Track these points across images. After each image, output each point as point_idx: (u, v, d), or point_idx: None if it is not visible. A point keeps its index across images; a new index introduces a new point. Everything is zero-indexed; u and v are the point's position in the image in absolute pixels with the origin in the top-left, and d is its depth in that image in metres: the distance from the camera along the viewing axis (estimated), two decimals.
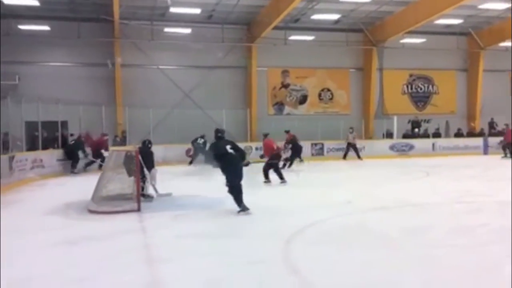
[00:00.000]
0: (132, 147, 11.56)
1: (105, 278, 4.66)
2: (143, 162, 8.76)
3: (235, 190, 7.81)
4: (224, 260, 5.21)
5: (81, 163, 15.83)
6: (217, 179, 9.43)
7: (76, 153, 15.71)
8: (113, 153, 9.61)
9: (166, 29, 20.69)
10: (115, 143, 18.40)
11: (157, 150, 17.93)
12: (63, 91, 18.18)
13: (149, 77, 21.09)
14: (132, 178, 8.55)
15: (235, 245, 5.92)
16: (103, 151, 15.40)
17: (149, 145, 9.80)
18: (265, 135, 13.39)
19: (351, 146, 19.96)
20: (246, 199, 7.90)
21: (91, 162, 15.80)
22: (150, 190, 9.38)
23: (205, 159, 9.65)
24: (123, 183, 8.75)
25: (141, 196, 8.52)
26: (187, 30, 20.99)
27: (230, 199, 9.01)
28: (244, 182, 7.95)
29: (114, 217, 7.68)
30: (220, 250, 5.67)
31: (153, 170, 9.41)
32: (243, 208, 7.70)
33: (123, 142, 18.91)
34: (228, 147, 8.06)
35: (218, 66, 21.84)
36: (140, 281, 4.54)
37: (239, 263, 5.07)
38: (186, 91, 21.64)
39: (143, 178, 8.93)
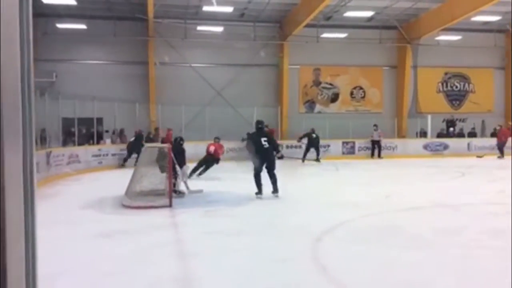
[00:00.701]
0: (167, 144, 11.76)
1: (136, 272, 4.78)
2: (175, 159, 8.91)
3: (258, 176, 9.10)
4: (253, 257, 5.27)
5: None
6: (246, 177, 9.53)
7: (138, 147, 16.04)
8: (147, 150, 9.80)
9: (199, 28, 20.91)
10: (147, 140, 18.73)
11: (189, 147, 18.34)
12: (99, 89, 18.65)
13: (182, 75, 21.37)
14: (165, 174, 8.73)
15: (265, 242, 5.97)
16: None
17: (181, 142, 9.97)
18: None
19: (375, 143, 19.86)
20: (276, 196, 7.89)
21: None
22: (181, 187, 9.53)
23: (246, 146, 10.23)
24: (156, 179, 8.93)
25: (173, 192, 8.67)
26: (220, 29, 21.15)
27: (259, 197, 9.11)
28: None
29: (146, 212, 7.85)
30: (249, 246, 5.73)
31: (184, 167, 9.56)
32: (259, 192, 8.99)
33: (156, 138, 19.22)
34: (263, 139, 9.09)
35: (250, 64, 21.92)
36: (171, 275, 4.64)
37: (267, 260, 5.12)
38: (218, 89, 21.82)
39: (175, 175, 9.08)
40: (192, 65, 21.67)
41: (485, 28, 23.03)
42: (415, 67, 23.55)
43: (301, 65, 22.81)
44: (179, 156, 9.33)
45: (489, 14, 20.78)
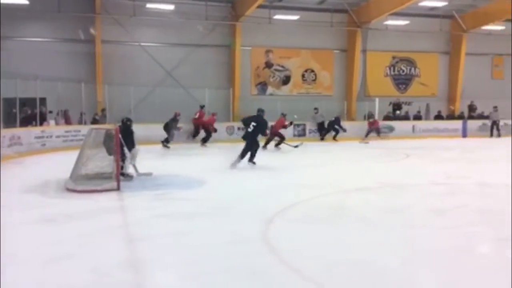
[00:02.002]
0: (112, 125, 11.39)
1: (82, 257, 4.61)
2: (123, 140, 8.64)
3: (244, 153, 10.78)
4: (203, 239, 5.19)
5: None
6: (198, 159, 9.41)
7: (171, 128, 16.78)
8: (92, 131, 9.44)
9: (148, 5, 20.28)
10: (93, 121, 18.15)
11: (138, 129, 17.89)
12: (42, 67, 17.78)
13: (131, 54, 20.74)
14: (112, 157, 8.45)
15: (215, 224, 5.91)
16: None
17: (128, 123, 9.62)
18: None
19: (320, 125, 20.49)
20: (227, 178, 7.80)
21: (208, 137, 17.37)
22: (130, 170, 9.28)
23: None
24: (103, 162, 8.64)
25: (121, 175, 8.43)
26: (170, 7, 20.60)
27: (211, 179, 9.05)
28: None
29: (93, 196, 7.58)
30: (199, 229, 5.66)
31: (133, 150, 9.28)
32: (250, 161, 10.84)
33: (102, 120, 18.64)
34: (252, 123, 10.79)
35: (201, 44, 21.56)
36: (118, 260, 4.50)
37: (218, 242, 5.07)
38: (168, 69, 21.36)
39: (122, 157, 8.82)
40: (142, 44, 21.06)
41: (432, 14, 23.69)
42: (364, 51, 23.96)
43: (253, 47, 22.69)
44: (127, 137, 9.05)
45: None
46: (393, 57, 25.09)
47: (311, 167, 11.59)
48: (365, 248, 4.87)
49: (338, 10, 22.79)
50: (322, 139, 20.29)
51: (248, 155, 10.88)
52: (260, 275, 4.15)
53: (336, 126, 19.86)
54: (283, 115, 16.82)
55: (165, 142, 16.66)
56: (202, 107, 18.56)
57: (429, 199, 7.54)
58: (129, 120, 9.68)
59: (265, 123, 11.32)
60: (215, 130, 17.73)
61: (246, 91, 22.48)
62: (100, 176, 8.46)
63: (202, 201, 7.33)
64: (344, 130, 19.76)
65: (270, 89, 23.33)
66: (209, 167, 11.13)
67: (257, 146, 11.19)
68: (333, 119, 20.11)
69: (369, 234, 5.42)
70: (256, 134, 10.97)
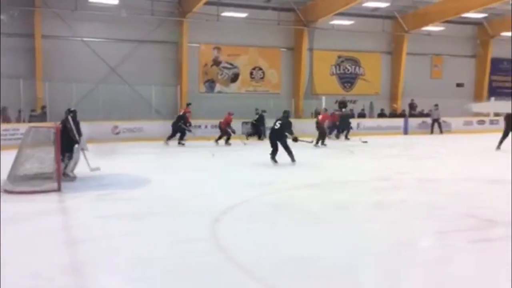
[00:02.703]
0: (53, 123, 10.92)
1: (20, 261, 4.38)
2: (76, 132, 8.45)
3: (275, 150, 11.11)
4: (150, 240, 5.09)
5: None
6: (145, 158, 9.22)
7: (181, 125, 16.65)
8: (31, 130, 9.00)
9: None
10: (31, 119, 17.37)
11: (81, 128, 17.30)
12: None
13: (72, 49, 19.97)
14: (52, 156, 8.09)
15: (162, 225, 5.80)
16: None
17: (71, 115, 9.19)
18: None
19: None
20: (174, 178, 7.67)
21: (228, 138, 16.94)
22: (73, 170, 8.95)
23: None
24: (42, 161, 8.26)
25: (63, 175, 8.11)
26: (114, 1, 20.02)
27: (157, 178, 8.88)
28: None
29: (32, 197, 7.25)
30: (145, 230, 5.53)
31: (82, 138, 8.95)
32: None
33: (43, 118, 17.87)
34: (278, 122, 11.18)
35: (147, 40, 21.11)
36: (58, 264, 4.32)
37: (165, 243, 4.98)
38: (113, 65, 20.77)
39: (65, 157, 8.50)
40: (84, 39, 20.34)
41: (375, 14, 24.39)
42: (311, 49, 24.32)
43: (201, 44, 22.48)
44: (77, 129, 8.74)
45: (379, 0, 22.04)
46: (339, 56, 25.63)
47: (257, 165, 11.61)
48: (313, 245, 4.94)
49: (285, 9, 23.00)
50: (258, 138, 19.97)
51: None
52: (208, 275, 4.10)
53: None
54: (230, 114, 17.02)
55: (167, 140, 16.64)
56: (188, 104, 18.38)
57: (373, 194, 7.76)
58: (71, 111, 9.26)
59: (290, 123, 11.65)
60: (234, 131, 17.30)
61: (194, 89, 22.23)
62: (40, 177, 8.08)
63: (147, 201, 7.17)
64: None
65: (218, 87, 23.21)
66: (156, 166, 10.94)
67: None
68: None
69: (316, 231, 5.50)
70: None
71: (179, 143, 16.61)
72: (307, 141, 14.11)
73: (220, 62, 23.17)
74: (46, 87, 18.55)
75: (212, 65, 23.04)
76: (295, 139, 11.36)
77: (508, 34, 26.40)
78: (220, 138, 16.95)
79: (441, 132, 22.41)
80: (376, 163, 12.09)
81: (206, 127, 19.53)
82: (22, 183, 7.84)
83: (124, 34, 20.78)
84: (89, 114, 17.84)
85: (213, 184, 8.73)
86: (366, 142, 17.23)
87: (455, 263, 4.50)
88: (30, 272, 4.12)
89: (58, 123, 9.13)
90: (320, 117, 16.97)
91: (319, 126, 16.40)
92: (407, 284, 4.05)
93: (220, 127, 17.26)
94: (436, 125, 22.66)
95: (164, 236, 5.24)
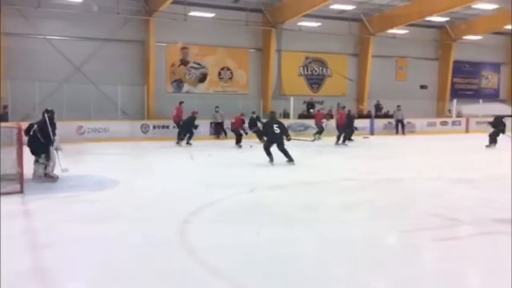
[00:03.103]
0: (15, 123, 10.59)
1: None
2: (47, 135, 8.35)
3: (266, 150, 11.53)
4: (117, 244, 5.00)
5: None
6: (111, 159, 9.06)
7: (190, 127, 16.68)
8: None
9: None
10: None
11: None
12: None
13: (36, 47, 19.42)
14: (15, 157, 7.85)
15: (130, 227, 5.70)
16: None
17: (48, 114, 8.95)
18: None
19: (218, 125, 19.93)
20: (141, 179, 7.60)
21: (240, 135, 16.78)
22: (53, 170, 8.74)
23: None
24: (5, 163, 8.00)
25: (44, 176, 8.26)
26: None
27: (125, 180, 8.74)
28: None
29: None
30: (112, 233, 5.42)
31: (56, 137, 8.77)
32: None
33: (4, 118, 17.32)
34: (275, 125, 11.45)
35: (113, 39, 20.74)
36: (20, 269, 4.19)
37: (133, 246, 4.90)
38: (77, 64, 20.32)
39: (47, 158, 8.48)
40: (47, 37, 19.83)
41: (342, 16, 24.73)
42: (279, 50, 24.44)
43: (168, 43, 22.27)
44: (53, 130, 8.62)
45: (345, 3, 22.35)
46: (306, 58, 25.87)
47: (225, 166, 11.59)
48: (282, 245, 4.95)
49: (253, 10, 23.04)
50: (217, 137, 19.91)
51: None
52: (177, 277, 4.07)
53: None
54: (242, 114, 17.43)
55: (179, 140, 16.66)
56: (181, 103, 18.17)
57: (339, 194, 7.86)
58: (48, 111, 9.03)
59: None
60: (246, 132, 17.03)
61: (161, 88, 21.99)
62: (2, 178, 7.82)
63: (114, 203, 7.05)
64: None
65: (186, 87, 23.04)
66: (123, 167, 10.77)
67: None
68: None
69: (284, 231, 5.52)
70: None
71: (187, 143, 16.56)
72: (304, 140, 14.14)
73: (188, 62, 23.01)
74: (8, 86, 17.99)
75: (179, 65, 22.86)
76: (289, 139, 11.83)
77: (470, 37, 27.27)
78: (239, 141, 16.70)
79: (403, 133, 22.88)
80: (343, 163, 12.26)
81: (174, 127, 19.35)
82: None
83: (89, 33, 20.38)
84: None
85: (181, 185, 8.66)
86: (367, 137, 17.88)
87: (420, 261, 4.61)
88: None
89: (28, 123, 8.95)
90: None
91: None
92: (375, 282, 4.11)
93: (232, 129, 17.35)
94: (399, 125, 23.15)
95: (130, 239, 5.15)
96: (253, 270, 4.22)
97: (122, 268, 4.24)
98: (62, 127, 16.99)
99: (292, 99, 22.85)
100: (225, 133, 19.61)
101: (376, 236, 5.36)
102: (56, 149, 8.76)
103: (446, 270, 4.30)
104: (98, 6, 19.34)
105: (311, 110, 24.35)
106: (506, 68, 31.18)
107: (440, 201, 7.17)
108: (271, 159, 11.40)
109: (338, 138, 16.87)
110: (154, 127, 19.44)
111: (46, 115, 8.92)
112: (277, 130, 11.43)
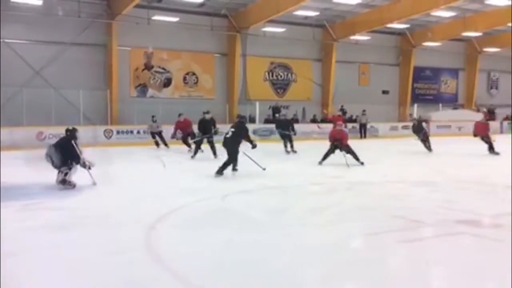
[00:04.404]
0: None
1: None
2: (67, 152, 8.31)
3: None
4: (81, 251, 4.86)
5: None
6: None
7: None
8: None
9: None
10: None
11: (3, 133, 16.32)
12: None
13: None
14: None
15: (94, 235, 5.55)
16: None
17: (68, 133, 8.79)
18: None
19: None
20: (104, 186, 7.52)
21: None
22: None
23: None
24: None
25: (61, 182, 8.19)
26: (39, 2, 19.06)
27: (87, 187, 8.53)
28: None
29: None
30: (76, 241, 5.27)
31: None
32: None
33: None
34: (231, 129, 10.21)
35: (73, 43, 20.30)
36: None
37: (97, 253, 4.77)
38: (37, 68, 19.77)
39: (70, 165, 8.39)
40: (6, 40, 19.22)
41: (306, 22, 25.05)
42: (244, 55, 24.54)
43: (131, 47, 21.96)
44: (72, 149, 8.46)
45: (309, 9, 22.66)
46: (271, 63, 26.06)
47: (190, 172, 11.49)
48: (250, 250, 4.94)
49: (218, 15, 23.04)
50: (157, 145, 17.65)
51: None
52: (141, 286, 3.97)
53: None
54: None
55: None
56: (180, 115, 16.48)
57: (307, 198, 7.92)
58: (71, 130, 8.89)
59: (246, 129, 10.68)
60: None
61: (125, 93, 21.66)
62: None
63: (77, 211, 6.86)
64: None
65: (150, 91, 22.77)
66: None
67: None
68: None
69: (253, 236, 5.50)
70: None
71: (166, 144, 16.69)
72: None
73: (152, 67, 22.76)
74: None
75: (143, 69, 22.58)
76: (254, 146, 10.55)
77: (430, 44, 28.11)
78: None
79: (364, 136, 23.27)
80: (310, 168, 12.34)
81: (138, 132, 19.09)
82: None
83: (49, 36, 19.92)
84: (12, 119, 16.93)
85: (145, 192, 8.49)
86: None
87: (386, 263, 4.68)
88: None
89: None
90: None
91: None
92: (343, 284, 4.15)
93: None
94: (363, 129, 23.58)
95: (94, 247, 5.01)
96: (222, 276, 4.18)
97: (88, 277, 4.12)
98: (21, 133, 16.66)
99: (257, 104, 22.94)
100: (165, 143, 17.21)
101: (343, 239, 5.41)
102: (85, 166, 8.59)
103: (413, 271, 4.38)
104: (59, 9, 18.91)
105: (277, 115, 24.47)
106: (463, 73, 32.33)
107: (404, 203, 7.33)
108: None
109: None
110: (118, 132, 19.11)
111: (67, 133, 8.85)
112: (229, 134, 10.10)
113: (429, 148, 15.50)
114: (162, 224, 5.98)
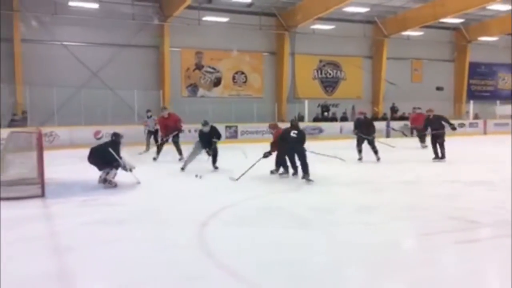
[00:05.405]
0: (34, 128, 10.78)
1: (6, 269, 4.29)
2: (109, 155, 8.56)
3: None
4: (136, 246, 5.06)
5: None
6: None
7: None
8: (12, 135, 8.89)
9: (71, 3, 19.42)
10: (12, 124, 17.12)
11: (63, 133, 17.15)
12: None
13: (53, 54, 19.78)
14: (35, 161, 7.99)
15: (149, 230, 5.76)
16: None
17: (114, 137, 9.14)
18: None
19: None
20: (157, 183, 7.66)
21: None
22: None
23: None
24: (25, 167, 8.16)
25: (104, 181, 8.50)
26: (95, 5, 19.87)
27: (142, 183, 8.81)
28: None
29: (15, 203, 7.12)
30: (131, 236, 5.48)
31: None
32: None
33: (23, 123, 17.62)
34: (294, 131, 9.55)
35: (128, 44, 21.01)
36: (43, 272, 4.25)
37: (152, 248, 4.95)
38: (94, 70, 20.60)
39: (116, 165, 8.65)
40: (64, 43, 20.15)
41: (355, 19, 24.69)
42: (292, 54, 24.51)
43: (182, 48, 22.46)
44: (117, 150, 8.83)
45: (359, 5, 22.32)
46: (320, 61, 25.87)
47: (244, 169, 11.57)
48: (298, 248, 4.96)
49: (267, 14, 23.13)
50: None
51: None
52: (195, 281, 4.09)
53: None
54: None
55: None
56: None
57: (356, 197, 7.83)
58: (116, 135, 9.25)
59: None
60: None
61: (176, 93, 22.19)
62: (23, 182, 7.99)
63: (134, 206, 7.13)
64: None
65: (201, 91, 23.20)
66: (141, 171, 10.84)
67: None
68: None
69: (301, 234, 5.53)
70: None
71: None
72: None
73: (202, 66, 23.17)
74: (26, 92, 18.32)
75: (194, 70, 23.03)
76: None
77: (485, 39, 27.00)
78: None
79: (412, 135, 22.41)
80: (358, 166, 12.19)
81: (189, 131, 19.46)
82: (4, 189, 7.71)
83: (105, 39, 20.69)
84: (71, 118, 17.72)
85: (196, 189, 8.69)
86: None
87: (439, 264, 4.58)
88: (17, 279, 4.06)
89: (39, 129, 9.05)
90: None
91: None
92: (394, 285, 4.10)
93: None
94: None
95: (149, 242, 5.20)
96: (272, 274, 4.22)
97: (141, 271, 4.28)
98: (79, 132, 17.39)
99: (306, 102, 22.85)
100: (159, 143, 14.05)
101: (393, 239, 5.33)
102: (125, 169, 8.83)
103: (469, 273, 4.26)
104: (114, 12, 19.64)
105: (325, 113, 24.31)
106: None
107: (459, 204, 7.11)
108: (286, 171, 9.83)
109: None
110: None
111: (112, 138, 9.19)
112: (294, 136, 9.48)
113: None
114: (214, 221, 6.10)
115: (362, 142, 12.79)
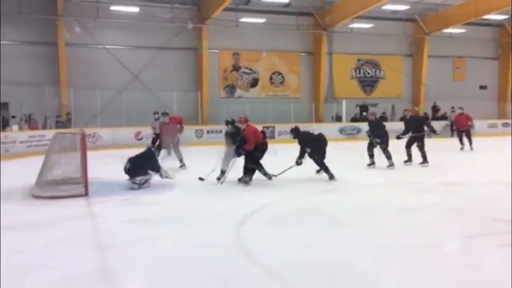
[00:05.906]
0: (78, 129, 11.13)
1: (49, 266, 4.47)
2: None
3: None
4: (175, 244, 5.15)
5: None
6: (165, 163, 9.34)
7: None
8: (58, 136, 9.20)
9: (113, 7, 19.96)
10: (57, 125, 17.77)
11: (106, 134, 17.64)
12: (3, 71, 17.29)
13: (95, 57, 20.38)
14: (79, 161, 8.26)
15: (187, 228, 5.86)
16: None
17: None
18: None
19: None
20: (195, 182, 7.93)
21: None
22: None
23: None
24: (69, 167, 8.44)
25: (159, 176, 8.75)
26: (135, 9, 20.34)
27: (179, 183, 8.95)
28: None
29: (60, 202, 7.39)
30: (171, 234, 5.59)
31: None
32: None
33: (68, 124, 18.24)
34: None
35: (167, 47, 21.39)
36: (87, 269, 4.39)
37: (191, 246, 5.03)
38: (135, 72, 21.09)
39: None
40: (106, 46, 20.72)
41: (395, 17, 24.24)
42: (330, 53, 24.31)
43: (220, 50, 22.67)
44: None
45: (398, 3, 21.92)
46: (358, 60, 25.54)
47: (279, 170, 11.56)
48: (336, 249, 4.93)
49: (304, 13, 23.04)
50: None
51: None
52: (232, 279, 4.12)
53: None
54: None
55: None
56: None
57: (396, 198, 7.70)
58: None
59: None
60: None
61: (214, 94, 22.42)
62: (67, 182, 8.27)
63: (172, 205, 7.27)
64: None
65: (238, 92, 23.35)
66: (181, 170, 11.03)
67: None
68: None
69: (339, 235, 5.49)
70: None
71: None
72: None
73: (239, 67, 23.31)
74: (70, 94, 18.93)
75: (231, 71, 23.20)
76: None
77: None
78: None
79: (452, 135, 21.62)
80: (399, 167, 11.94)
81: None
82: (50, 188, 8.01)
83: (145, 42, 21.12)
84: (113, 120, 18.19)
85: (233, 188, 8.75)
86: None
87: (483, 267, 4.44)
88: (60, 276, 4.20)
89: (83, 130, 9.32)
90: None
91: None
92: None
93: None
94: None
95: (188, 240, 5.28)
96: (308, 275, 4.20)
97: (181, 268, 4.36)
98: (121, 133, 17.82)
99: (344, 102, 22.62)
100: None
101: (436, 241, 5.21)
102: (161, 176, 8.98)
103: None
104: (154, 16, 20.04)
105: (364, 113, 23.96)
106: None
107: (503, 206, 6.87)
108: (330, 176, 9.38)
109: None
110: (208, 132, 19.81)
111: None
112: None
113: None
114: (252, 220, 6.13)
115: (374, 146, 11.80)
